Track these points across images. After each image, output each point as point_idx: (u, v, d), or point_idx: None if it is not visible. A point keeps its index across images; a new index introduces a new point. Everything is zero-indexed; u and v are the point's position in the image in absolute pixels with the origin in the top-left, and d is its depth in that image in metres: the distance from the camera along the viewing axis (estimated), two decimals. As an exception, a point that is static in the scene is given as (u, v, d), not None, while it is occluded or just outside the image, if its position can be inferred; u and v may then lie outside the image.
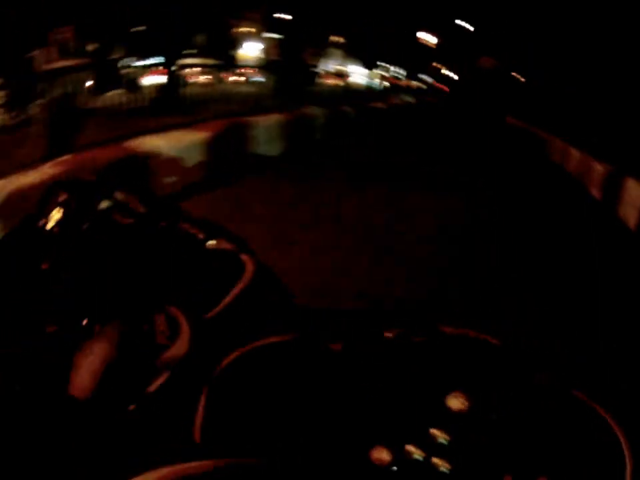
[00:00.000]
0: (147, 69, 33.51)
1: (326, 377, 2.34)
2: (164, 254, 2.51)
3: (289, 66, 29.94)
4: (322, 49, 59.54)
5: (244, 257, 2.74)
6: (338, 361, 2.23)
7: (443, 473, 0.81)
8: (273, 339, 2.37)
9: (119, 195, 2.78)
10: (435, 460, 0.85)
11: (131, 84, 27.31)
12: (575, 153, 14.94)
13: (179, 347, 1.60)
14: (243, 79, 44.78)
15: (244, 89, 36.78)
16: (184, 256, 2.60)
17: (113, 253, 2.38)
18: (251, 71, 47.67)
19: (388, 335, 2.34)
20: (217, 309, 2.37)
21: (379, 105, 27.63)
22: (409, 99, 39.89)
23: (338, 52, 60.05)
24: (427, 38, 55.60)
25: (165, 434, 2.50)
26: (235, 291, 2.43)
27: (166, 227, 2.74)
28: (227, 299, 2.41)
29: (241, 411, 2.17)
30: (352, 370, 2.19)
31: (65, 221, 2.48)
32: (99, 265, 2.35)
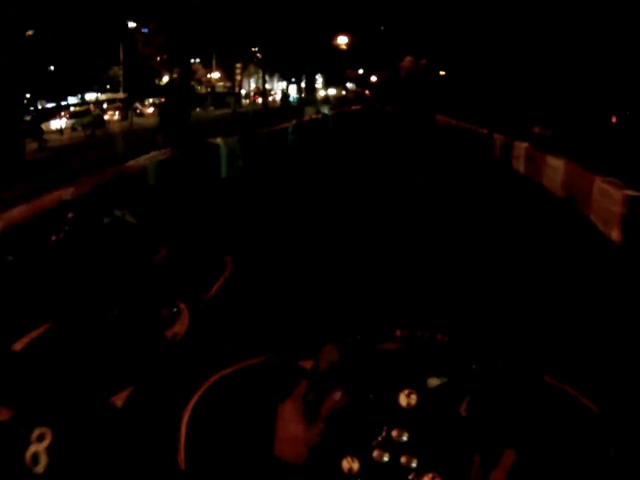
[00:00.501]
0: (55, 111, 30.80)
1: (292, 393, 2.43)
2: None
3: (176, 95, 27.19)
4: (243, 68, 57.18)
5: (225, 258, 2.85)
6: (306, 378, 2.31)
7: (413, 468, 0.81)
8: (247, 363, 2.45)
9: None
10: (403, 459, 0.85)
11: (34, 130, 23.41)
12: (499, 137, 19.14)
13: (180, 326, 1.62)
14: (151, 110, 41.57)
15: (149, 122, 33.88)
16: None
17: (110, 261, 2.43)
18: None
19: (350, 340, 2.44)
20: (208, 295, 2.45)
21: (283, 125, 24.05)
22: (326, 110, 38.91)
23: (259, 69, 58.51)
24: (342, 41, 53.93)
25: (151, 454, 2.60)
26: (220, 281, 2.53)
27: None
28: (215, 287, 2.49)
29: (222, 437, 2.24)
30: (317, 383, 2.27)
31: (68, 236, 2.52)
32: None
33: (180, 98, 26.39)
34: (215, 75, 58.20)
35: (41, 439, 1.19)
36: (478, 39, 29.96)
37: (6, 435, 1.20)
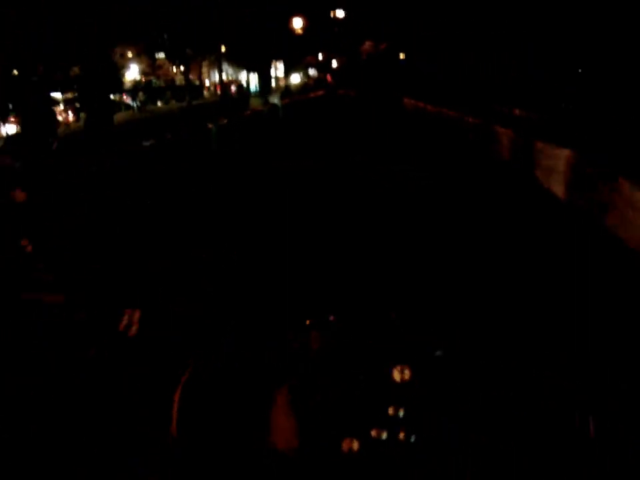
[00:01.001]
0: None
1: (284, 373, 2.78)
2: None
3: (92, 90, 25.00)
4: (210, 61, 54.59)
5: None
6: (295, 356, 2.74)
7: (412, 443, 0.87)
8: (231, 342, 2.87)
9: None
10: (401, 435, 0.90)
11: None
12: (453, 114, 22.62)
13: None
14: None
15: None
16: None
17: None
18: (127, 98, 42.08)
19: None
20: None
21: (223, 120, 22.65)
22: (275, 100, 35.70)
23: (225, 61, 57.52)
24: (297, 25, 51.01)
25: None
26: None
27: None
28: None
29: (210, 409, 2.46)
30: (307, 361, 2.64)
31: None
32: None
33: (96, 93, 24.37)
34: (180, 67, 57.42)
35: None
36: (478, 39, 29.93)
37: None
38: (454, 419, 4.22)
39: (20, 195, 9.71)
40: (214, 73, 61.11)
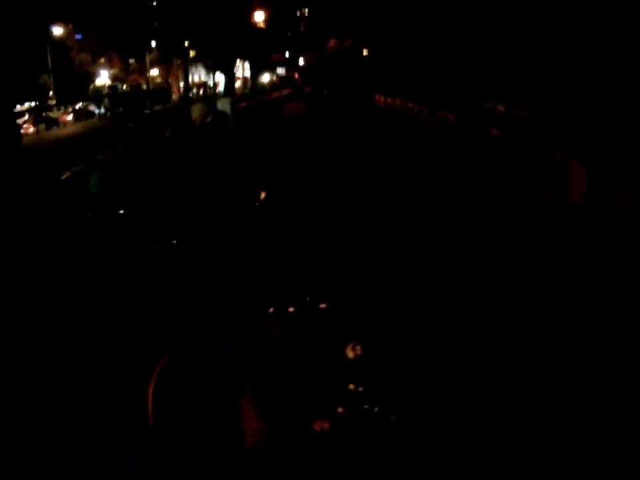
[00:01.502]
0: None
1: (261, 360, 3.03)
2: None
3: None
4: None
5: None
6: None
7: (375, 412, 0.89)
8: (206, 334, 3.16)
9: None
10: (365, 406, 0.93)
11: None
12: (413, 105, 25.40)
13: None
14: (70, 118, 35.64)
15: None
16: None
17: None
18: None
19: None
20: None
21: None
22: (226, 105, 31.27)
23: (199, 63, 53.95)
24: (259, 18, 47.99)
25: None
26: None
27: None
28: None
29: (183, 400, 2.61)
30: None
31: None
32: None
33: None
34: (154, 71, 55.75)
35: None
36: (477, 39, 29.91)
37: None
38: (454, 418, 4.23)
39: None
40: (191, 74, 59.77)
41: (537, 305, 6.16)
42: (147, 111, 39.95)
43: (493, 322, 5.74)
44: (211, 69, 52.77)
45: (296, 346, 5.18)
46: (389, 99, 31.82)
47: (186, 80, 51.63)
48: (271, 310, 6.08)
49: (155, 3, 41.21)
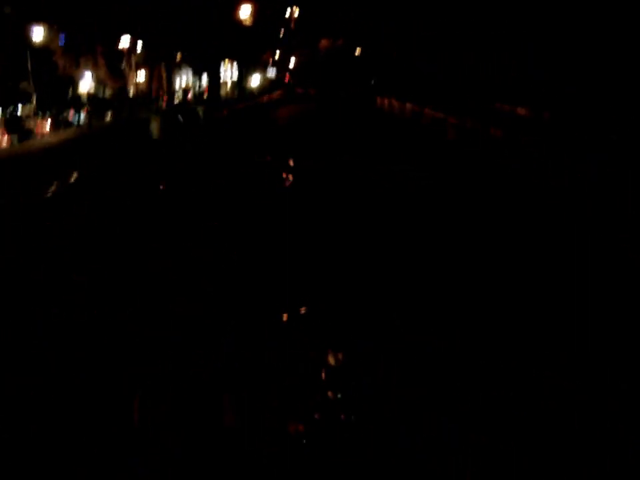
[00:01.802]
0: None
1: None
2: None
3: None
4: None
5: None
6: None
7: (353, 422, 0.90)
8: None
9: None
10: (342, 416, 0.94)
11: None
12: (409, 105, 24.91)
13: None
14: (46, 127, 31.45)
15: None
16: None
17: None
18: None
19: None
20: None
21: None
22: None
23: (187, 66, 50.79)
24: (245, 13, 43.83)
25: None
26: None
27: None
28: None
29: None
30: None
31: None
32: None
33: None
34: (142, 76, 54.00)
35: None
36: (478, 39, 29.92)
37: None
38: (453, 418, 4.23)
39: None
40: (178, 78, 57.74)
41: (537, 305, 6.17)
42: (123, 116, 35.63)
43: (492, 322, 5.75)
44: (197, 72, 49.31)
45: (287, 350, 5.22)
46: (396, 102, 29.03)
47: (169, 83, 47.97)
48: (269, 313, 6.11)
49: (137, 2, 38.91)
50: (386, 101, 31.35)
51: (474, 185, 12.58)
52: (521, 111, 20.37)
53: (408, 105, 26.81)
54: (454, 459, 3.73)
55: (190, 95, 53.33)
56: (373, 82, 39.47)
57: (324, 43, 49.85)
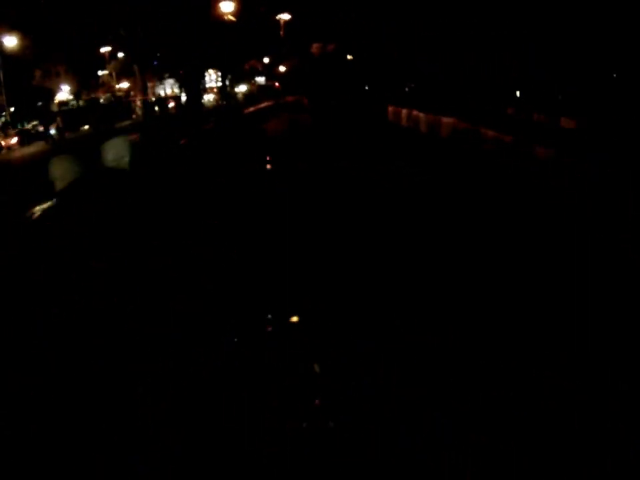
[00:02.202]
0: None
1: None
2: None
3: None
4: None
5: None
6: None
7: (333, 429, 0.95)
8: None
9: None
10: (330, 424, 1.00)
11: None
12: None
13: None
14: (14, 141, 31.02)
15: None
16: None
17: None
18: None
19: None
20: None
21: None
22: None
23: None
24: (227, 9, 40.58)
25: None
26: None
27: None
28: None
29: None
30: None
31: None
32: None
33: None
34: (124, 84, 49.23)
35: None
36: (479, 39, 29.94)
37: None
38: (454, 418, 4.24)
39: None
40: (160, 87, 52.86)
41: (537, 305, 6.17)
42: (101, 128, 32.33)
43: (493, 321, 5.75)
44: (179, 81, 43.54)
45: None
46: (415, 113, 21.60)
47: (144, 92, 44.77)
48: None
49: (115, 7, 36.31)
50: (404, 112, 23.29)
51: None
52: (566, 122, 16.92)
53: (445, 120, 18.19)
54: (453, 459, 3.74)
55: (172, 105, 49.40)
56: (367, 88, 38.72)
57: (315, 48, 48.26)
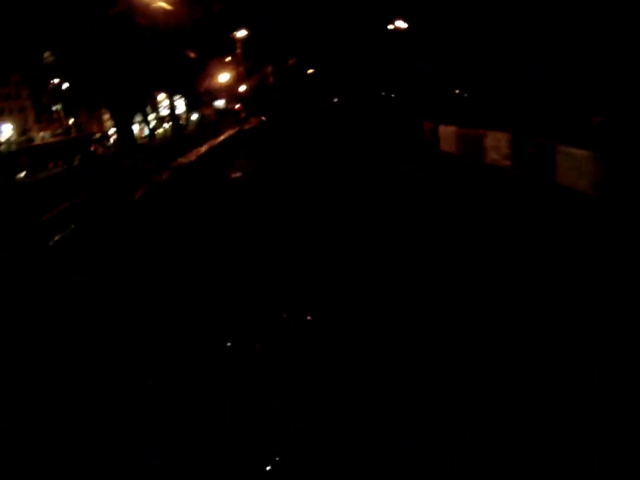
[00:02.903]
0: None
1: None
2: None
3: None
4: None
5: None
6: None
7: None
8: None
9: None
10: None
11: None
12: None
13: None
14: None
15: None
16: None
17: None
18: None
19: None
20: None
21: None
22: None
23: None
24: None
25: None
26: None
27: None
28: None
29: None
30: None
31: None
32: None
33: None
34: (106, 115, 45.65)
35: None
36: (477, 39, 29.91)
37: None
38: (451, 419, 4.25)
39: None
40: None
41: (537, 305, 6.18)
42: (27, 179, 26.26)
43: (493, 322, 5.77)
44: (118, 115, 33.55)
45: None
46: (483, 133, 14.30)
47: (78, 127, 40.23)
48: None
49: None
50: (454, 133, 16.08)
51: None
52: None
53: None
54: (452, 459, 3.76)
55: (113, 139, 42.23)
56: (336, 99, 38.00)
57: (276, 64, 46.49)
